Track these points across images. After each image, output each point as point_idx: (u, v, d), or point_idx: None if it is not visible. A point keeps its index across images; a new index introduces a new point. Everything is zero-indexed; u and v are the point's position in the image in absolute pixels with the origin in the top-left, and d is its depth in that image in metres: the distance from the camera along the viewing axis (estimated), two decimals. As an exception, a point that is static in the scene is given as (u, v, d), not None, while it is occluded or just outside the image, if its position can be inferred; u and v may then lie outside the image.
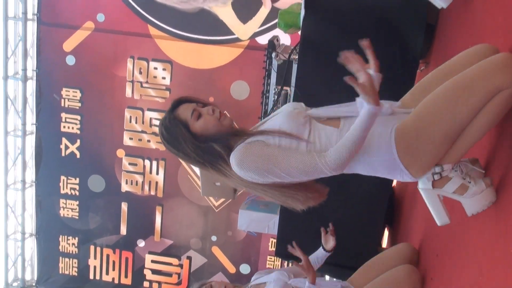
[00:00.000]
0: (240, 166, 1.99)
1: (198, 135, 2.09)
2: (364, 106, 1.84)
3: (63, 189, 7.36)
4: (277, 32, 5.28)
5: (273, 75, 4.56)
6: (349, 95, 3.77)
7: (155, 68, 6.80)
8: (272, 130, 2.05)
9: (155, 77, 6.83)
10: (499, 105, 1.82)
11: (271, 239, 6.96)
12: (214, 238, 7.28)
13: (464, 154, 1.95)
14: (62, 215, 7.45)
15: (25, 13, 6.87)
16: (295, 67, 4.12)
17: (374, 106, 1.81)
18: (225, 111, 2.26)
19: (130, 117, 6.98)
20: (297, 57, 4.08)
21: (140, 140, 7.07)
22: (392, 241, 4.46)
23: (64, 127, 7.13)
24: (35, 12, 6.84)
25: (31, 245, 7.84)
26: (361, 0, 3.86)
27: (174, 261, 7.45)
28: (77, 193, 7.34)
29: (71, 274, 7.72)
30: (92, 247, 7.53)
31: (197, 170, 6.53)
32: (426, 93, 1.98)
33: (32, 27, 6.95)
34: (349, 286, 3.14)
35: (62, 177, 7.33)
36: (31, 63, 7.08)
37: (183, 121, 2.09)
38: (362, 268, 3.34)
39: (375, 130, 1.93)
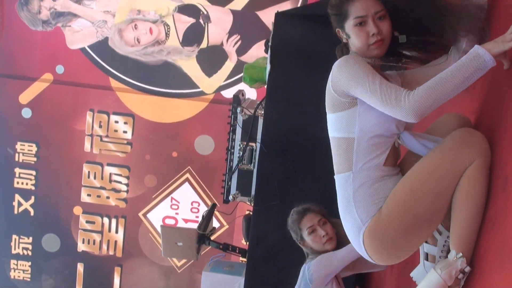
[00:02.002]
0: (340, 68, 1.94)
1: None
2: (474, 49, 1.74)
3: (15, 249, 7.05)
4: (243, 86, 5.23)
5: (238, 131, 4.47)
6: (315, 151, 3.75)
7: (116, 122, 6.67)
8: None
9: (116, 130, 6.68)
10: (470, 180, 1.82)
11: (237, 302, 6.72)
12: (176, 301, 7.04)
13: (473, 241, 1.86)
14: (12, 277, 7.11)
15: (-20, 64, 6.72)
16: (260, 122, 4.07)
17: (489, 55, 1.70)
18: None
19: (89, 172, 6.80)
20: (262, 112, 4.03)
21: (98, 196, 6.87)
22: None
23: (17, 182, 6.90)
24: (-9, 63, 6.70)
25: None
26: (327, 57, 3.81)
27: (133, 326, 7.15)
28: (30, 253, 7.04)
29: None
30: (44, 312, 7.19)
31: (158, 228, 6.37)
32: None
33: (-13, 78, 6.79)
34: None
35: (14, 236, 7.03)
36: (-15, 117, 6.90)
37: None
38: None
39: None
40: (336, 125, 2.01)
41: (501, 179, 1.75)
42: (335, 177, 2.07)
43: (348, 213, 2.00)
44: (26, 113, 6.71)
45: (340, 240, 2.81)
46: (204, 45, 6.40)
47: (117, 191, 6.83)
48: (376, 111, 1.89)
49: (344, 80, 1.89)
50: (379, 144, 1.96)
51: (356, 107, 1.93)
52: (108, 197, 6.86)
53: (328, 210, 2.92)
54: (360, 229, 1.94)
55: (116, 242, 6.96)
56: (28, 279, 7.11)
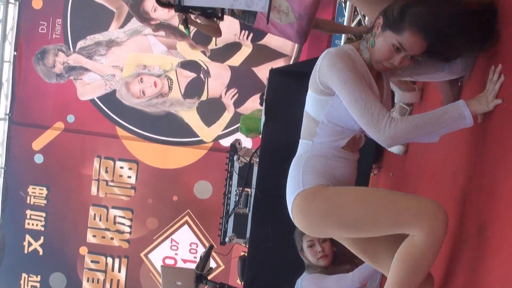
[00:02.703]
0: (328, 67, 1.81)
1: None
2: (460, 107, 1.67)
3: (24, 287, 6.88)
4: (239, 135, 5.21)
5: (235, 177, 4.49)
6: None
7: (121, 167, 6.62)
8: None
9: (120, 176, 6.63)
10: (406, 251, 1.72)
11: None
12: (175, 338, 6.81)
13: None
14: (21, 314, 6.95)
15: (-3, 113, 6.72)
16: (255, 169, 4.05)
17: (471, 118, 1.64)
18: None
19: (95, 214, 6.70)
20: (257, 160, 4.03)
21: (103, 237, 6.75)
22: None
23: (28, 224, 6.79)
24: (7, 112, 6.67)
25: None
26: None
27: None
28: (38, 291, 6.90)
29: None
30: None
31: (159, 268, 6.25)
32: None
33: (3, 126, 6.74)
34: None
35: (24, 275, 6.86)
36: (0, 161, 6.81)
37: None
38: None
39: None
40: (309, 103, 1.97)
41: (476, 225, 1.65)
42: (300, 140, 2.06)
43: (295, 171, 1.97)
44: (38, 158, 6.66)
45: (337, 257, 2.85)
46: (204, 97, 6.40)
47: (121, 232, 6.72)
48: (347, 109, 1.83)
49: (331, 78, 1.80)
50: (340, 132, 1.91)
51: (332, 98, 1.85)
52: (112, 238, 6.74)
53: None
54: (296, 190, 1.90)
55: (118, 281, 6.81)
56: (36, 317, 6.95)
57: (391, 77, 2.03)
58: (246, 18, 3.87)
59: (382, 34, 1.79)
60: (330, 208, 1.82)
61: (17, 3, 6.49)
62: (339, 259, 2.84)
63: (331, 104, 1.85)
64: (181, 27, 3.98)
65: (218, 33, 4.14)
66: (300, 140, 2.06)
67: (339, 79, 1.76)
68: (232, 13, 3.88)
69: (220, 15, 3.92)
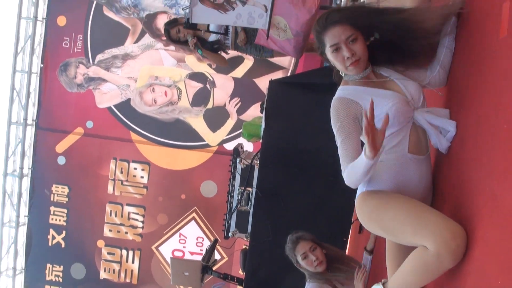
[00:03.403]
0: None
1: None
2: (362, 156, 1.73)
3: (48, 276, 6.88)
4: (242, 140, 5.20)
5: (237, 177, 4.47)
6: (306, 197, 3.67)
7: (135, 169, 6.61)
8: None
9: (134, 176, 6.62)
10: (414, 254, 1.64)
11: (237, 325, 6.53)
12: (182, 324, 6.80)
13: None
14: (46, 300, 6.94)
15: (25, 119, 6.70)
16: (256, 171, 4.02)
17: (370, 158, 1.69)
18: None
19: (111, 211, 6.70)
20: (258, 162, 4.00)
21: (118, 232, 6.74)
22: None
23: (52, 219, 6.78)
24: (34, 118, 6.69)
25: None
26: (313, 117, 3.80)
27: None
28: (61, 280, 6.86)
29: None
30: (71, 331, 6.93)
31: (168, 259, 6.24)
32: None
33: (30, 131, 6.76)
34: None
35: (48, 265, 6.86)
36: (27, 162, 6.83)
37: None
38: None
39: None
40: None
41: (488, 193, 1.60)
42: None
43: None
44: (61, 160, 6.66)
45: (330, 261, 2.79)
46: (210, 105, 6.40)
47: (134, 227, 6.71)
48: (384, 104, 1.82)
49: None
50: (396, 134, 1.84)
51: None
52: (126, 232, 6.73)
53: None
54: (363, 187, 1.90)
55: (132, 271, 6.80)
56: (59, 302, 6.94)
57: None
58: (248, 50, 3.91)
59: (328, 60, 1.91)
60: (373, 210, 1.82)
61: (44, 20, 6.52)
62: (332, 259, 2.80)
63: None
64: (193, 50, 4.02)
65: (224, 62, 4.21)
66: None
67: (332, 122, 1.89)
68: (236, 46, 3.93)
69: (225, 49, 4.00)
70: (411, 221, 1.65)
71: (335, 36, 1.82)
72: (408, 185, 1.85)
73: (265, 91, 4.13)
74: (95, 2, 6.41)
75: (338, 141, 1.85)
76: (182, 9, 5.62)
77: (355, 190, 1.97)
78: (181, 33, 4.05)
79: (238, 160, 4.32)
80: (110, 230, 6.74)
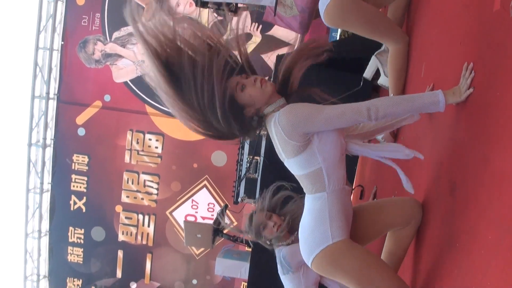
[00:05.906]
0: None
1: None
2: (438, 96, 1.56)
3: (71, 238, 7.01)
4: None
5: (246, 147, 4.47)
6: None
7: (150, 139, 6.64)
8: None
9: (149, 146, 6.66)
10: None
11: (243, 283, 6.61)
12: (194, 281, 6.91)
13: None
14: (69, 260, 7.05)
15: (48, 93, 6.74)
16: (264, 140, 3.98)
17: (444, 105, 1.56)
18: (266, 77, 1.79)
19: (128, 179, 6.76)
20: (265, 132, 3.95)
21: (135, 198, 6.81)
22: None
23: (73, 186, 6.87)
24: (56, 92, 6.72)
25: (45, 285, 7.34)
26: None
27: (161, 300, 7.03)
28: (82, 242, 6.99)
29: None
30: (93, 288, 7.09)
31: (181, 223, 6.30)
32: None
33: (52, 104, 6.80)
34: None
35: (70, 228, 6.98)
36: (50, 133, 6.89)
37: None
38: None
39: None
40: (300, 166, 1.65)
41: (450, 184, 1.64)
42: (309, 196, 1.71)
43: (321, 225, 1.66)
44: (81, 131, 6.71)
45: (292, 225, 2.58)
46: (220, 80, 6.39)
47: (150, 194, 6.77)
48: (328, 135, 1.62)
49: (300, 120, 1.59)
50: (341, 162, 1.67)
51: (312, 142, 1.61)
52: (142, 199, 6.79)
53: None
54: (326, 242, 1.64)
55: (148, 234, 6.88)
56: (81, 262, 7.04)
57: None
58: None
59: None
60: (352, 268, 1.63)
61: (64, 0, 6.49)
62: (294, 225, 2.61)
63: (316, 147, 1.61)
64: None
65: None
66: (308, 196, 1.71)
67: (307, 114, 1.61)
68: None
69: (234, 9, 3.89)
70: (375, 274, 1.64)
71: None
72: (349, 217, 1.73)
73: (272, 66, 4.10)
74: (111, -17, 6.37)
75: (339, 105, 1.60)
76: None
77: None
78: None
79: (246, 130, 4.32)
80: (127, 196, 6.80)
